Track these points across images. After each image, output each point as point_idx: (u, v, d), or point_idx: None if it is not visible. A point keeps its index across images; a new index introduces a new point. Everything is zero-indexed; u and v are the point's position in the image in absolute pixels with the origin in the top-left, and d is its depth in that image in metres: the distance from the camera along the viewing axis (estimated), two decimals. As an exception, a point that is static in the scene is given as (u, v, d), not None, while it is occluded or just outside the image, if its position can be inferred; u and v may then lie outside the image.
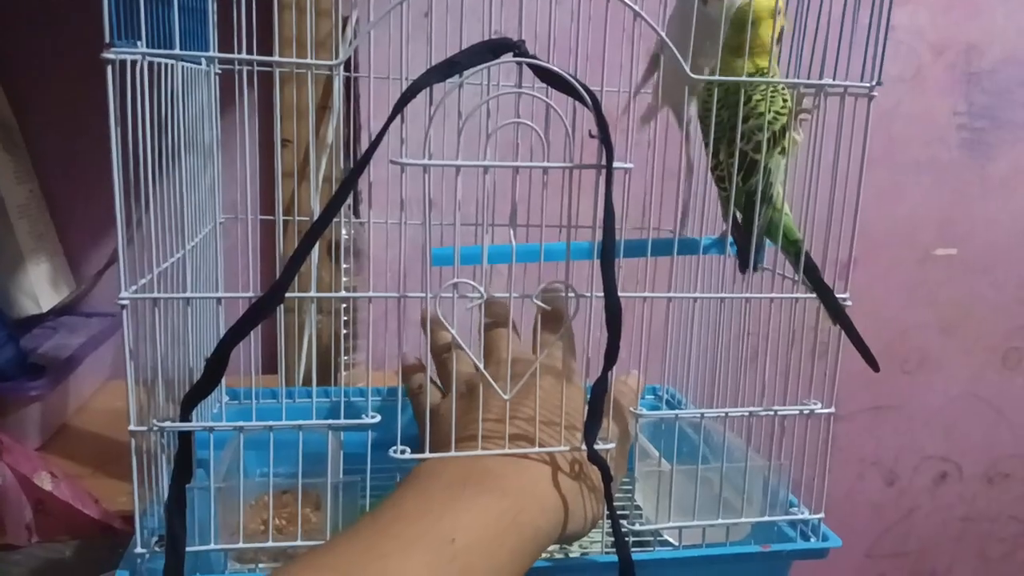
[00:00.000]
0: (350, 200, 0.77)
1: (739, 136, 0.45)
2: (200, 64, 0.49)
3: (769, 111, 0.45)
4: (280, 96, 0.52)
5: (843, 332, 0.48)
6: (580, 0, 0.47)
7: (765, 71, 0.46)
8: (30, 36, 0.86)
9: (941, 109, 1.14)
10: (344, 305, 0.78)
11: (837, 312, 0.47)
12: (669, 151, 0.56)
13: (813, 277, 0.47)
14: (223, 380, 0.53)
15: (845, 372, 1.28)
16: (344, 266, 0.79)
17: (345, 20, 0.72)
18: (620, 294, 0.40)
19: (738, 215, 0.49)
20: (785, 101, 0.46)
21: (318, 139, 0.64)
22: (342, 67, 0.43)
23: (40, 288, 0.82)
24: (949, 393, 1.25)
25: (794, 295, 0.47)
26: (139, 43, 0.38)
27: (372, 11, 0.42)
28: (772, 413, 0.47)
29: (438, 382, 0.49)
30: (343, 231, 0.74)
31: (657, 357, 0.50)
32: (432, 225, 0.43)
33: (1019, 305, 1.24)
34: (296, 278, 0.38)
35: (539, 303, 0.42)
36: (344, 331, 0.76)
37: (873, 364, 0.49)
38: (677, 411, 0.46)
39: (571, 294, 0.42)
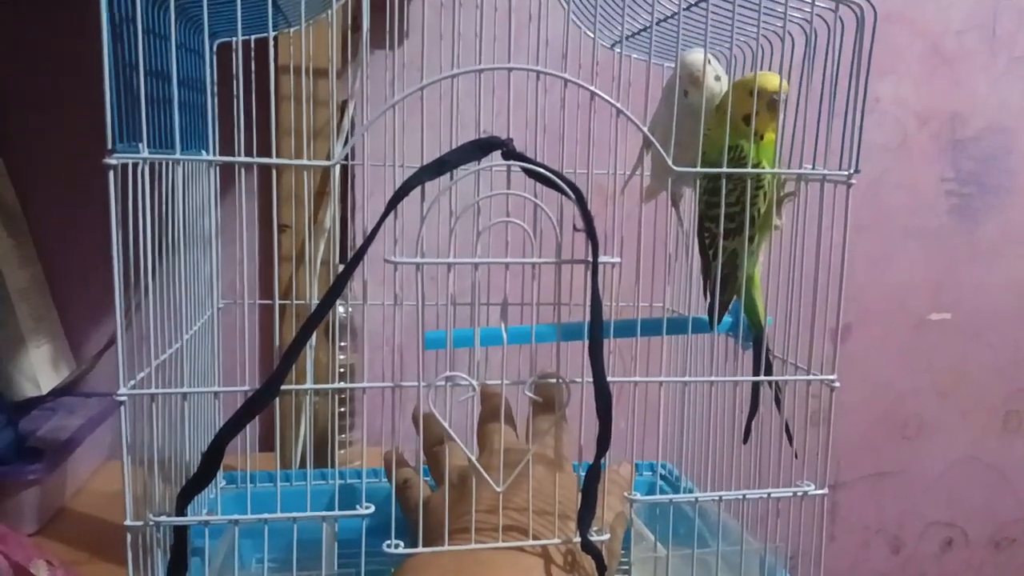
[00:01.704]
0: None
1: (722, 218, 0.46)
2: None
3: (738, 202, 0.46)
4: (278, 183, 0.53)
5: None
6: (567, 91, 0.49)
7: (744, 149, 0.47)
8: (34, 121, 0.88)
9: (929, 176, 1.17)
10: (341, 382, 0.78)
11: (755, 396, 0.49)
12: (659, 228, 0.58)
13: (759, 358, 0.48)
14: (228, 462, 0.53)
15: (845, 439, 1.28)
16: (341, 344, 0.80)
17: (343, 105, 0.74)
18: (610, 379, 0.41)
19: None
20: (760, 187, 0.47)
21: (316, 224, 0.65)
22: (346, 152, 0.45)
23: (40, 370, 0.83)
24: (950, 457, 1.25)
25: (784, 377, 0.48)
26: (140, 145, 0.40)
27: (368, 101, 0.44)
28: (766, 495, 0.47)
29: (428, 477, 0.49)
30: (340, 310, 0.75)
31: (653, 432, 0.51)
32: (427, 305, 0.44)
33: (1016, 367, 1.24)
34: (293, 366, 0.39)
35: (531, 395, 0.43)
36: (341, 408, 0.77)
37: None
38: (671, 495, 0.46)
39: (562, 381, 0.43)
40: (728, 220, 0.46)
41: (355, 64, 0.67)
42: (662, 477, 0.67)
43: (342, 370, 0.79)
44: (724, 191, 0.45)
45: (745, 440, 0.50)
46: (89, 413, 0.83)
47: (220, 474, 0.60)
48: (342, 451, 0.79)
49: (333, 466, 0.67)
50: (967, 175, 1.18)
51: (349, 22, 0.69)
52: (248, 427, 0.58)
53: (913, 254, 1.18)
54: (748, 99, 0.45)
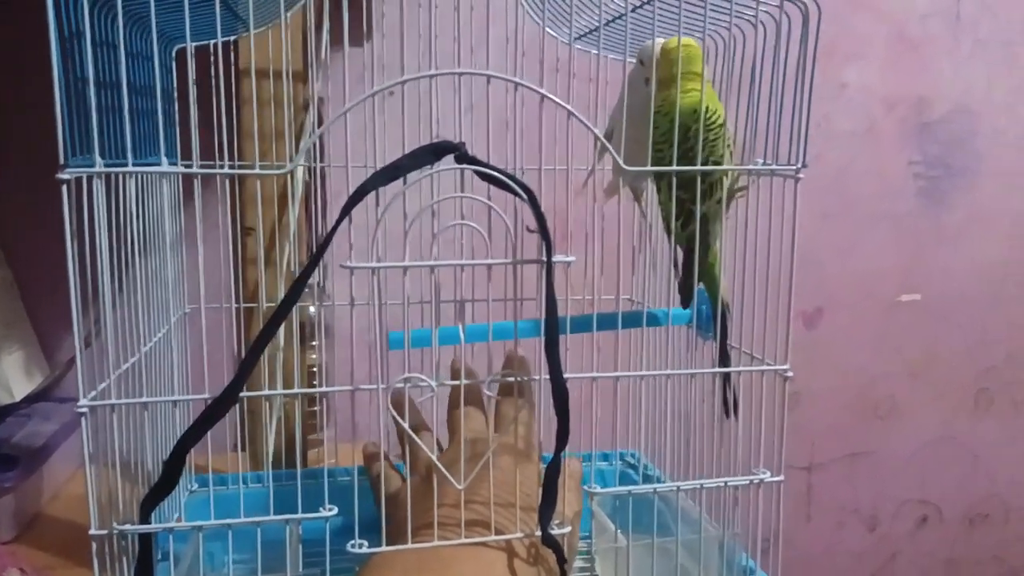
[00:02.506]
0: (319, 278, 0.78)
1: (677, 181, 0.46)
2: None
3: (708, 161, 0.46)
4: (241, 187, 0.53)
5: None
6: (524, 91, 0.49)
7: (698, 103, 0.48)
8: (1, 124, 0.87)
9: (896, 160, 1.18)
10: (314, 382, 0.79)
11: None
12: (624, 222, 0.58)
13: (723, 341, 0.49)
14: (192, 465, 0.54)
15: (818, 422, 1.29)
16: (313, 343, 0.80)
17: (305, 107, 0.74)
18: (567, 375, 0.42)
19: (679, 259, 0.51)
20: (728, 146, 0.48)
21: (281, 227, 0.65)
22: (302, 158, 0.45)
23: (13, 377, 0.83)
24: (923, 437, 1.27)
25: (739, 368, 0.48)
26: (94, 157, 0.40)
27: (328, 104, 0.44)
28: (723, 484, 0.48)
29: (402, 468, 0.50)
30: (311, 310, 0.75)
31: (622, 422, 0.52)
32: (390, 304, 0.44)
33: (986, 347, 1.26)
34: (262, 365, 0.39)
35: (491, 394, 0.44)
36: (314, 407, 0.77)
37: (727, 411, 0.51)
38: (630, 487, 0.47)
39: (520, 377, 0.43)
40: (692, 184, 0.46)
41: (317, 66, 0.67)
42: (631, 466, 0.69)
43: (315, 369, 0.79)
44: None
45: (727, 414, 0.51)
46: (63, 419, 0.83)
47: (192, 477, 0.61)
48: (315, 450, 0.80)
49: (304, 465, 0.67)
50: (934, 158, 1.19)
51: (310, 23, 0.69)
52: (225, 428, 0.59)
53: (882, 238, 1.19)
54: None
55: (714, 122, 0.48)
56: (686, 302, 0.51)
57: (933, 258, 1.21)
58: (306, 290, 0.68)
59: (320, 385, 0.77)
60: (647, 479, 0.65)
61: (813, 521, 1.24)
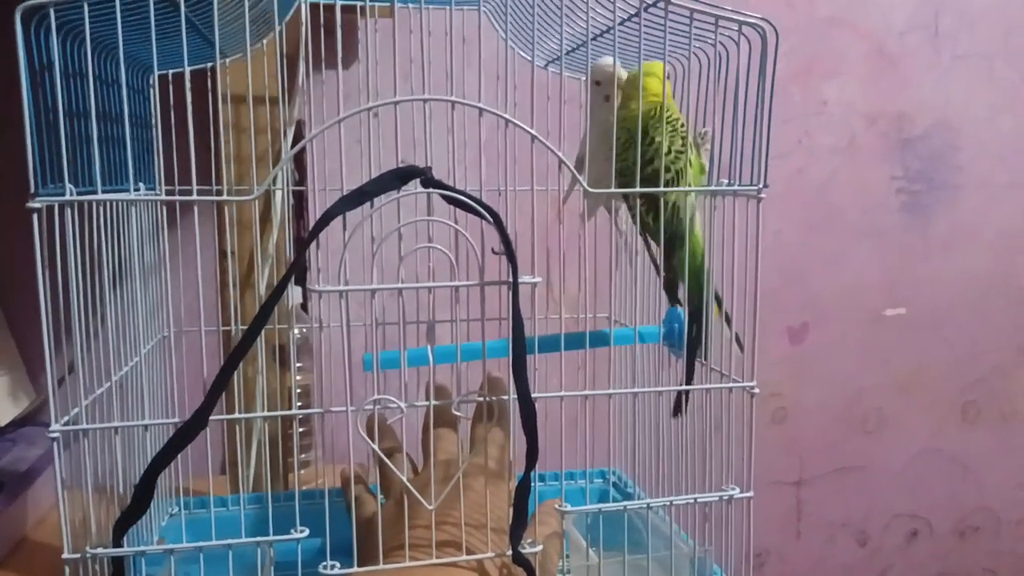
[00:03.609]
0: (296, 300, 0.79)
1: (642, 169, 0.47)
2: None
3: (670, 151, 0.47)
4: (218, 212, 0.54)
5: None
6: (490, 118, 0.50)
7: (659, 105, 0.49)
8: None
9: (878, 175, 1.19)
10: (300, 404, 0.79)
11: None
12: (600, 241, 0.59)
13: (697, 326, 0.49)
14: (172, 489, 0.54)
15: (807, 437, 1.29)
16: (298, 365, 0.81)
17: (284, 131, 0.75)
18: (536, 395, 0.42)
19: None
20: (684, 139, 0.49)
21: (260, 249, 0.66)
22: (269, 183, 0.46)
23: (-2, 402, 0.83)
24: (911, 450, 1.27)
25: (706, 386, 0.49)
26: (65, 185, 0.40)
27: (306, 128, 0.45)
28: (692, 501, 0.48)
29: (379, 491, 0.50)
30: (293, 330, 0.76)
31: (602, 441, 0.52)
32: (364, 325, 0.45)
33: (972, 360, 1.27)
34: (243, 386, 0.40)
35: (459, 413, 0.44)
36: (299, 429, 0.77)
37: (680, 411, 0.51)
38: (600, 505, 0.48)
39: (487, 398, 0.44)
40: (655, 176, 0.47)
41: (292, 92, 0.68)
42: (612, 484, 0.69)
43: (299, 390, 0.80)
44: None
45: (675, 414, 0.51)
46: (49, 444, 0.83)
47: (172, 500, 0.61)
48: (302, 471, 0.80)
49: (286, 487, 0.68)
50: (916, 173, 1.20)
51: (280, 49, 0.70)
52: (207, 452, 0.59)
53: (866, 252, 1.20)
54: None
55: (671, 119, 0.49)
56: (672, 299, 0.52)
57: (918, 271, 1.22)
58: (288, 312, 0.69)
59: (304, 408, 0.77)
60: (626, 496, 0.65)
61: (803, 536, 1.24)
